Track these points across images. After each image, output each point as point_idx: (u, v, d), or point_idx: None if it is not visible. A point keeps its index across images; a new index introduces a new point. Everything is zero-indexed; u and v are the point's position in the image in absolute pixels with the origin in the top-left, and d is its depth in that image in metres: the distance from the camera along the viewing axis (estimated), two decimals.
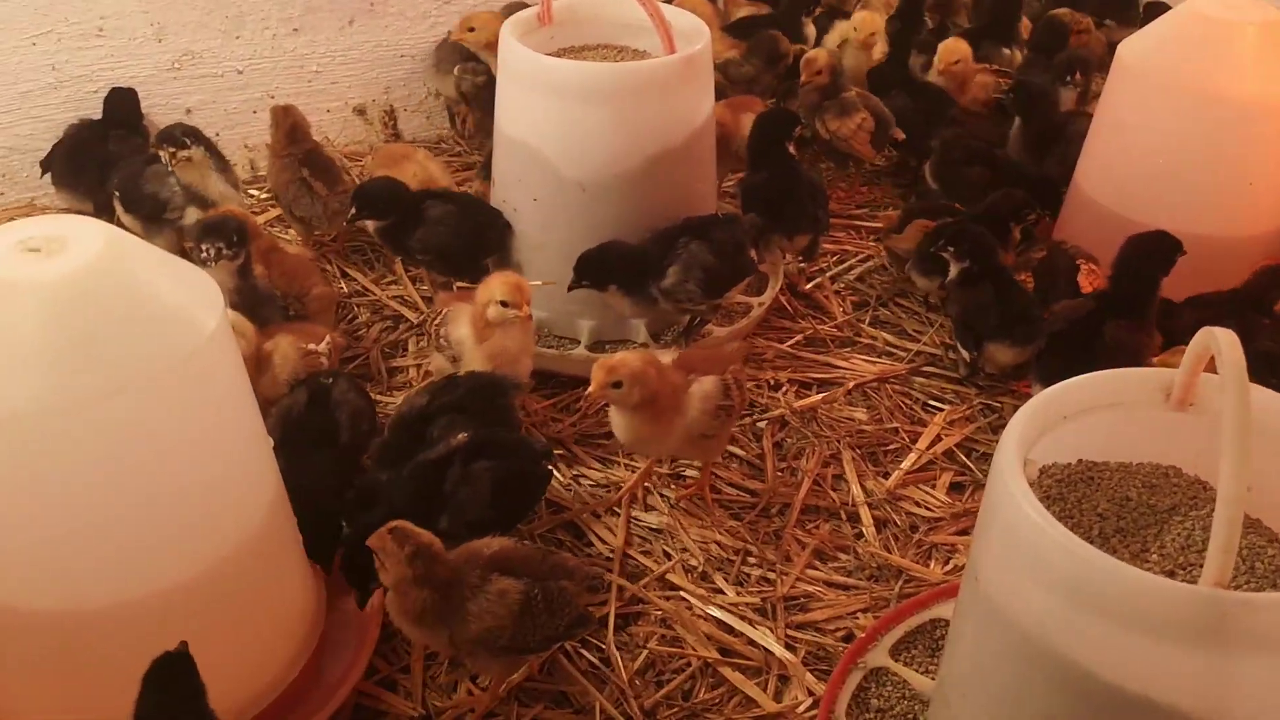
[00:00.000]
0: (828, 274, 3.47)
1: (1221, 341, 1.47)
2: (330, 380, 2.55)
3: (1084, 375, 1.78)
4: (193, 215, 3.19)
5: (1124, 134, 3.17)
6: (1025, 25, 4.35)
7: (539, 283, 2.91)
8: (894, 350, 3.17)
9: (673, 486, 2.69)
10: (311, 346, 2.65)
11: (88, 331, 1.67)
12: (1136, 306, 2.77)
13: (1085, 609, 1.47)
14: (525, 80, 2.94)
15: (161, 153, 3.19)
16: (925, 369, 3.09)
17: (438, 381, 2.54)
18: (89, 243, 1.72)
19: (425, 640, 2.07)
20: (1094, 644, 1.48)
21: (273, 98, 3.80)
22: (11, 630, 1.83)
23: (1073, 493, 1.77)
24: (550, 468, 2.46)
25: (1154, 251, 2.78)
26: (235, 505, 1.92)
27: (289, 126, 3.37)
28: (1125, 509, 1.74)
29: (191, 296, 1.83)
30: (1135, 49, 3.16)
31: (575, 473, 2.72)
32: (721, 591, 2.41)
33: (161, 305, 1.76)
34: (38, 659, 1.85)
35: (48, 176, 3.53)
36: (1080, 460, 1.82)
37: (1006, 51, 4.12)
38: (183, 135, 3.21)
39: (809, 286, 3.40)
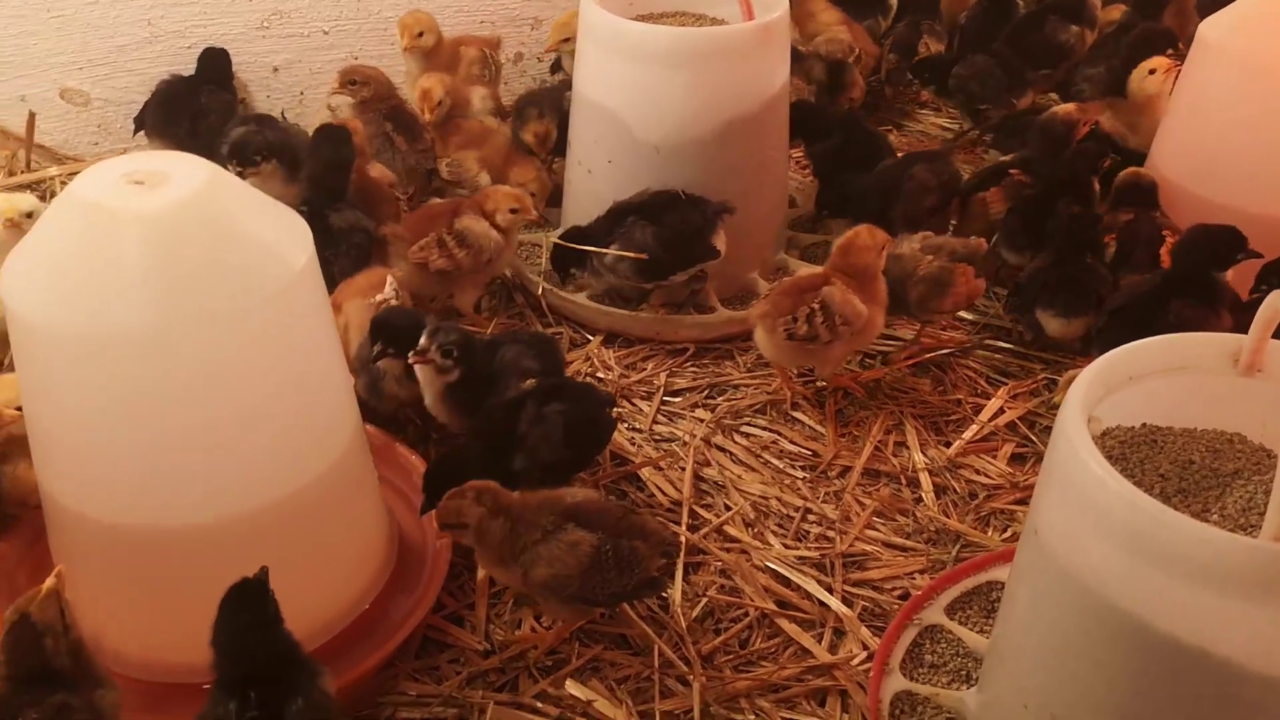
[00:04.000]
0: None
1: None
2: None
3: (1151, 338, 1.80)
4: None
5: (1203, 113, 3.13)
6: None
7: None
8: (960, 322, 3.17)
9: (736, 440, 2.74)
10: (378, 298, 2.70)
11: (186, 261, 1.75)
12: (1203, 290, 2.69)
13: (1144, 561, 1.50)
14: (604, 44, 2.99)
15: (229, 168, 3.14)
16: (990, 342, 3.10)
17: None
18: (190, 178, 1.81)
19: (504, 575, 2.15)
20: (1151, 596, 1.50)
21: (356, 59, 3.87)
22: (105, 544, 1.93)
23: (1135, 454, 1.78)
24: (613, 415, 2.53)
25: (1214, 246, 2.70)
26: (319, 434, 2.00)
27: (385, 82, 3.44)
28: (1188, 471, 1.75)
29: (283, 234, 1.91)
30: (1217, 27, 3.12)
31: (640, 426, 2.78)
32: (781, 546, 2.46)
33: (255, 240, 1.84)
34: (128, 572, 1.96)
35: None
36: (1144, 424, 1.83)
37: (1075, 29, 4.04)
38: (254, 154, 3.23)
39: None
